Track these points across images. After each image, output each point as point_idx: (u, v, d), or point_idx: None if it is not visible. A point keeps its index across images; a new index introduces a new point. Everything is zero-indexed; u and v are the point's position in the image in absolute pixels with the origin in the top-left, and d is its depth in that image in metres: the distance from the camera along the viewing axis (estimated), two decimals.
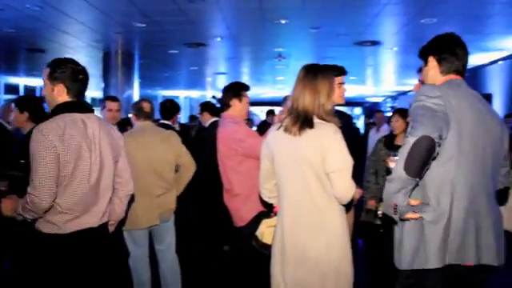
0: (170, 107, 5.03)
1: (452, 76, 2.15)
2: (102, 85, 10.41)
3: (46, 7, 6.68)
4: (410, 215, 1.97)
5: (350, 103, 23.12)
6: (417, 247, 1.99)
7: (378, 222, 3.97)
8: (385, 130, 7.74)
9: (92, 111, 2.51)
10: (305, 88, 2.29)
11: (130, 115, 4.31)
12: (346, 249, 2.31)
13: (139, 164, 3.38)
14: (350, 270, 2.32)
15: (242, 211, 3.29)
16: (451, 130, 1.94)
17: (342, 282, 2.29)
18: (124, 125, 4.96)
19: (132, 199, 2.87)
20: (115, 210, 2.62)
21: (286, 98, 3.94)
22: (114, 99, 4.30)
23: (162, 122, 4.97)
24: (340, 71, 3.21)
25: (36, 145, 2.22)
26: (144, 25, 7.72)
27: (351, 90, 18.53)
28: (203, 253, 4.90)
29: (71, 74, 2.39)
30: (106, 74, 10.30)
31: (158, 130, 3.72)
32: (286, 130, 2.30)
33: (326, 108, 2.29)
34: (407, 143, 1.89)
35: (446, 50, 2.15)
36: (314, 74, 2.31)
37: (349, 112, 18.86)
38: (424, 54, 2.23)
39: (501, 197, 2.19)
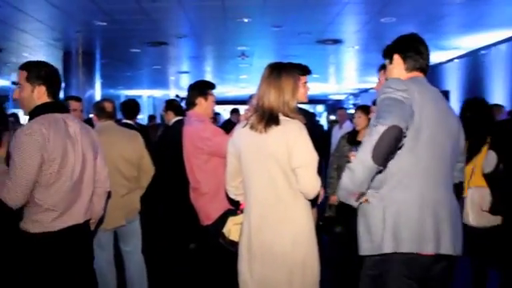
0: (133, 107, 4.98)
1: (415, 73, 2.22)
2: (63, 85, 10.16)
3: (3, 5, 6.48)
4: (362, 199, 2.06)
5: (313, 101, 23.37)
6: (372, 233, 2.05)
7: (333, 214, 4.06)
8: (348, 126, 7.82)
9: (68, 111, 2.61)
10: (270, 86, 2.32)
11: (91, 115, 4.25)
12: (313, 244, 2.35)
13: None
14: (316, 266, 2.36)
15: (208, 209, 3.29)
16: (413, 123, 2.00)
17: (309, 277, 2.32)
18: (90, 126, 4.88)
19: (109, 196, 2.94)
20: (95, 207, 2.70)
21: (251, 97, 3.97)
22: (78, 99, 4.24)
23: (125, 121, 4.91)
24: (304, 71, 3.25)
25: (21, 145, 2.26)
26: (105, 23, 7.60)
27: (314, 87, 18.64)
28: (170, 252, 4.86)
29: (50, 75, 2.45)
30: (67, 74, 10.07)
31: (122, 130, 3.68)
32: (251, 127, 2.32)
33: (291, 105, 2.33)
34: (376, 132, 1.90)
35: (411, 48, 2.23)
36: (279, 72, 2.34)
37: (312, 110, 19.07)
38: (389, 52, 2.30)
39: (456, 191, 2.27)
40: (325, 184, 3.35)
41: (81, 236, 2.53)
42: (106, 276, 3.53)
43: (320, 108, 25.48)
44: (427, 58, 2.25)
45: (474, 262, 3.43)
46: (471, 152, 3.21)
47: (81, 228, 2.51)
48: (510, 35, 8.83)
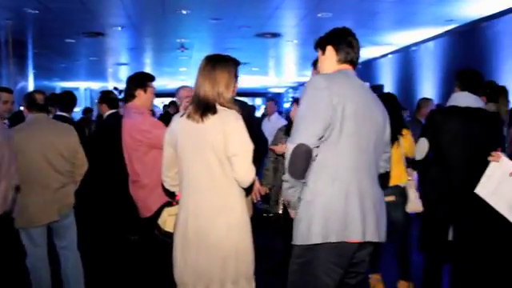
0: (69, 99, 4.84)
1: (345, 66, 2.30)
2: None
3: None
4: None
5: (253, 94, 23.52)
6: (303, 225, 2.13)
7: (280, 211, 4.14)
8: (276, 118, 7.96)
9: None
10: (205, 78, 2.37)
11: (21, 108, 4.11)
12: (247, 231, 2.41)
13: (33, 157, 3.27)
14: (250, 253, 2.42)
15: (148, 202, 3.29)
16: (337, 117, 2.08)
17: (243, 264, 2.38)
18: (20, 118, 4.70)
19: (41, 191, 2.90)
20: None
21: (178, 90, 3.98)
22: (9, 90, 4.08)
23: (60, 113, 4.77)
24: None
25: None
26: (37, 11, 7.29)
27: (254, 80, 18.90)
28: (108, 247, 4.79)
29: None
30: None
31: (54, 123, 3.58)
32: (189, 116, 2.36)
33: (226, 97, 2.38)
34: (288, 149, 2.07)
35: (344, 41, 2.30)
36: (214, 64, 2.39)
37: (251, 102, 19.17)
38: (322, 44, 2.37)
39: (383, 180, 2.39)
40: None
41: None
42: (40, 273, 3.43)
43: (259, 101, 25.66)
44: (358, 52, 2.32)
45: (428, 256, 3.52)
46: None
47: None
48: (436, 33, 9.31)
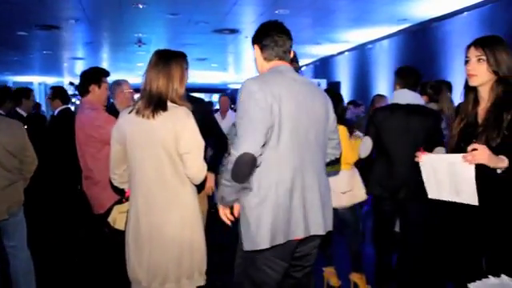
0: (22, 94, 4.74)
1: (276, 62, 2.28)
2: None
3: None
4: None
5: (212, 90, 23.41)
6: (251, 230, 2.11)
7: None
8: (231, 116, 7.22)
9: None
10: (159, 73, 2.34)
11: None
12: (199, 226, 2.44)
13: None
14: (203, 248, 2.45)
15: (101, 198, 3.27)
16: (274, 120, 2.07)
17: (197, 258, 2.42)
18: None
19: None
20: None
21: (118, 83, 3.90)
22: None
23: (17, 110, 4.68)
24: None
25: None
26: None
27: (212, 76, 18.82)
28: (60, 244, 4.70)
29: None
30: None
31: (2, 119, 3.46)
32: (138, 112, 2.33)
33: (179, 92, 2.38)
34: (232, 156, 2.04)
35: (267, 37, 2.27)
36: (168, 59, 2.38)
37: (207, 99, 19.03)
38: (252, 43, 2.36)
39: (333, 166, 2.43)
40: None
41: None
42: None
43: (216, 97, 25.47)
44: (284, 45, 2.26)
45: (378, 248, 3.62)
46: None
47: None
48: (390, 32, 9.55)
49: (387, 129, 3.36)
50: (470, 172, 2.01)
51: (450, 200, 2.10)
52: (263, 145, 2.05)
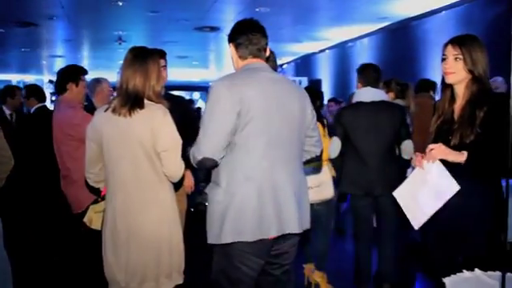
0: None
1: (251, 60, 2.26)
2: None
3: None
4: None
5: (194, 87, 23.31)
6: (216, 225, 2.12)
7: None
8: None
9: None
10: (135, 71, 2.32)
11: None
12: (177, 224, 2.42)
13: None
14: (181, 246, 2.44)
15: (80, 197, 3.23)
16: (242, 120, 2.07)
17: (176, 256, 2.40)
18: None
19: None
20: None
21: (97, 81, 3.85)
22: None
23: None
24: (160, 54, 3.22)
25: None
26: None
27: (193, 74, 18.77)
28: (38, 244, 4.64)
29: None
30: None
31: None
32: (114, 111, 2.31)
33: (156, 90, 2.37)
34: (193, 156, 2.11)
35: (241, 35, 2.26)
36: (144, 57, 2.36)
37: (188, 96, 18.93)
38: (228, 42, 2.34)
39: (312, 164, 2.44)
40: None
41: None
42: None
43: (196, 95, 25.32)
44: (258, 43, 2.25)
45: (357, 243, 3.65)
46: None
47: None
48: (371, 30, 9.63)
49: (355, 127, 3.40)
50: (438, 166, 2.11)
51: (436, 210, 2.14)
52: (226, 147, 2.09)
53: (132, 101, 2.29)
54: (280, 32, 9.03)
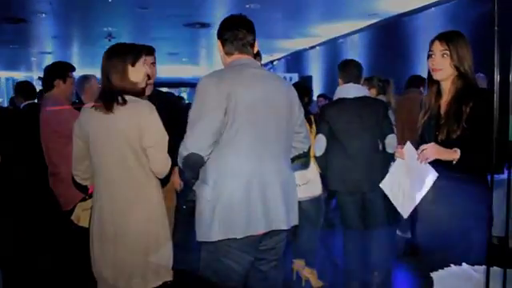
0: None
1: (238, 56, 2.27)
2: None
3: None
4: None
5: (184, 84, 23.22)
6: (205, 223, 2.13)
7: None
8: None
9: None
10: (114, 67, 2.30)
11: None
12: (164, 221, 2.42)
13: None
14: (170, 244, 2.44)
15: (69, 195, 3.21)
16: (230, 116, 2.08)
17: (164, 253, 2.40)
18: None
19: None
20: None
21: (86, 78, 3.83)
22: None
23: None
24: (149, 51, 3.19)
25: None
26: None
27: (184, 70, 18.69)
28: (28, 243, 4.62)
29: None
30: None
31: None
32: (97, 108, 2.30)
33: (139, 86, 2.36)
34: (180, 154, 2.11)
35: (227, 31, 2.26)
36: (124, 53, 2.33)
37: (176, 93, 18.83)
38: (217, 38, 2.33)
39: (301, 160, 2.45)
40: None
41: None
42: None
43: (184, 95, 25.17)
44: (244, 38, 2.25)
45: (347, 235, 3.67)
46: None
47: None
48: (361, 26, 9.65)
49: (340, 124, 3.41)
50: (426, 166, 2.13)
51: (421, 196, 2.16)
52: (212, 143, 2.08)
53: (115, 98, 2.27)
54: (270, 28, 8.99)
